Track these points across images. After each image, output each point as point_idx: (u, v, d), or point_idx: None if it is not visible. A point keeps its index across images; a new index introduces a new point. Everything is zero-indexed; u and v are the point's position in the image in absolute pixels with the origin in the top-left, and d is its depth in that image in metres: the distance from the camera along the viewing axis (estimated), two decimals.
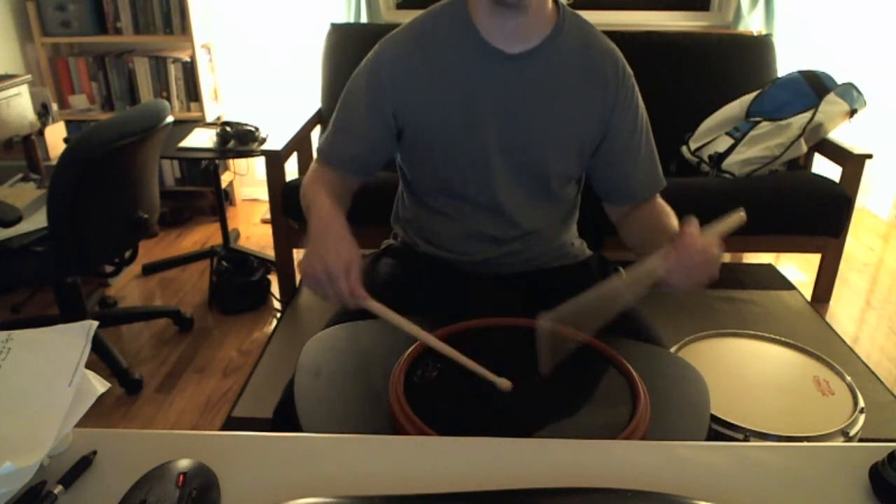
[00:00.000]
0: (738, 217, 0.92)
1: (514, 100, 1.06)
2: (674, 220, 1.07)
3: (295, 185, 2.26)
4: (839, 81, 2.45)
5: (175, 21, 2.88)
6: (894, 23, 3.09)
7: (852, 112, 2.41)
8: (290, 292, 2.47)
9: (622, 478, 0.63)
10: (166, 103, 1.86)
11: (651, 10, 3.08)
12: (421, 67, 1.07)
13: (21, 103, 2.39)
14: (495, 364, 0.89)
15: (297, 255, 2.57)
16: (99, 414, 1.84)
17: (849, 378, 1.38)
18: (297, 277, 2.56)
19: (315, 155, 1.21)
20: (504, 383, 0.83)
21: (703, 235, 0.89)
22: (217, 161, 2.65)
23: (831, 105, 2.41)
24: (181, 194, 3.22)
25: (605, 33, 1.12)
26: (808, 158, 2.59)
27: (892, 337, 2.28)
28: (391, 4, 3.07)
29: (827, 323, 2.34)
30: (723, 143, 2.47)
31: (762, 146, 2.39)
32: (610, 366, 0.87)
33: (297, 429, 0.78)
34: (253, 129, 2.43)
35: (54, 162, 1.66)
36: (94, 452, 0.64)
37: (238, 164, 3.32)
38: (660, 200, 1.16)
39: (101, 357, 1.95)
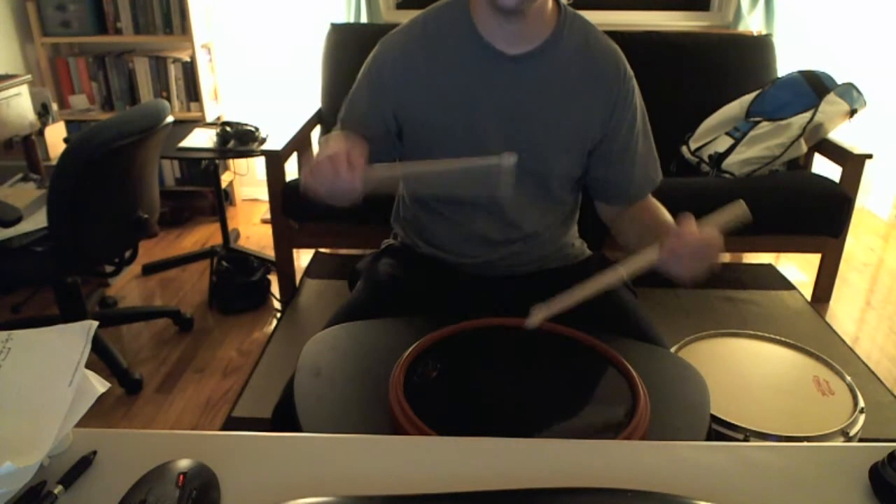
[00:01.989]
0: (737, 207, 0.91)
1: (515, 100, 1.06)
2: (667, 216, 1.07)
3: (295, 185, 2.26)
4: (839, 81, 2.45)
5: (175, 21, 2.88)
6: (894, 23, 3.09)
7: (852, 112, 2.41)
8: (290, 292, 2.47)
9: (622, 478, 0.63)
10: (166, 103, 1.86)
11: (651, 10, 3.08)
12: (422, 67, 1.07)
13: (21, 103, 2.39)
14: (496, 364, 0.89)
15: (298, 255, 2.57)
16: (99, 414, 1.84)
17: (849, 378, 1.38)
18: (298, 277, 2.57)
19: None
20: (508, 158, 0.81)
21: (700, 225, 0.88)
22: (217, 161, 2.65)
23: (831, 105, 2.41)
24: (181, 194, 3.22)
25: (605, 33, 1.12)
26: (808, 158, 2.59)
27: (892, 337, 2.28)
28: (391, 4, 3.07)
29: (827, 323, 2.34)
30: (723, 143, 2.47)
31: (762, 146, 2.39)
32: (610, 366, 0.87)
33: (297, 429, 0.78)
34: (253, 129, 2.43)
35: (54, 162, 1.66)
36: (94, 452, 0.64)
37: (238, 164, 3.32)
38: (653, 199, 1.16)
39: (101, 357, 1.95)
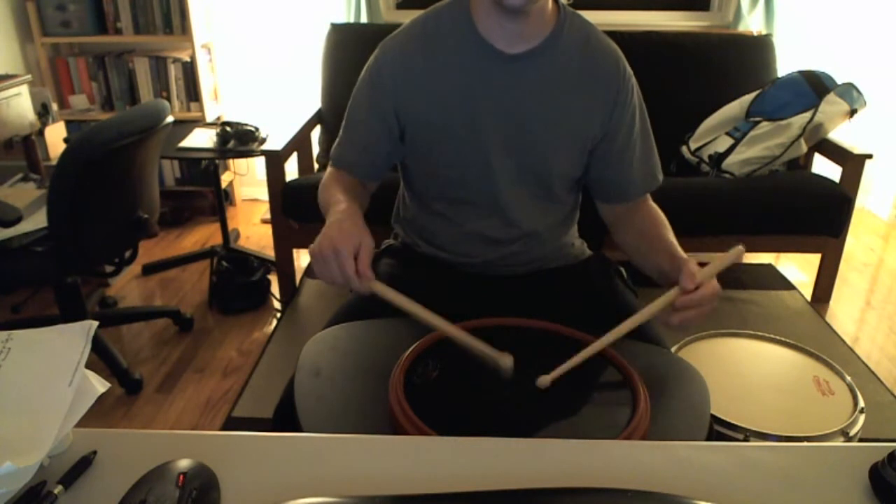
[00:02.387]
0: (737, 252, 0.92)
1: (515, 100, 1.06)
2: (669, 233, 1.07)
3: (295, 185, 2.26)
4: (839, 81, 2.45)
5: (175, 21, 2.88)
6: (894, 23, 3.09)
7: (852, 112, 2.41)
8: (290, 292, 2.47)
9: (622, 478, 0.63)
10: (166, 103, 1.86)
11: (651, 10, 3.08)
12: (422, 67, 1.07)
13: (21, 103, 2.39)
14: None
15: (298, 255, 2.57)
16: (99, 414, 1.84)
17: (849, 378, 1.38)
18: (298, 277, 2.57)
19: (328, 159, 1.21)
20: (506, 360, 0.82)
21: (702, 273, 0.88)
22: (217, 161, 2.65)
23: (831, 105, 2.41)
24: (181, 194, 3.22)
25: (605, 33, 1.12)
26: (808, 158, 2.59)
27: (892, 337, 2.28)
28: (391, 4, 3.07)
29: (827, 323, 2.34)
30: (723, 143, 2.47)
31: (762, 146, 2.39)
32: (610, 366, 0.87)
33: (297, 429, 0.78)
34: (253, 129, 2.43)
35: (54, 162, 1.66)
36: (94, 452, 0.64)
37: (238, 164, 3.32)
38: (653, 206, 1.16)
39: (101, 357, 1.95)
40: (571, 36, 1.07)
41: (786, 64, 2.71)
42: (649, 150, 1.16)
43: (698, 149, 2.53)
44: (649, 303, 0.90)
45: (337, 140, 1.18)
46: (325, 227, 0.90)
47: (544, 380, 0.82)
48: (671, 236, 1.05)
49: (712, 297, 0.87)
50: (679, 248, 0.99)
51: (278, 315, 2.37)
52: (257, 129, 2.44)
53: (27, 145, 2.44)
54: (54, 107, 2.70)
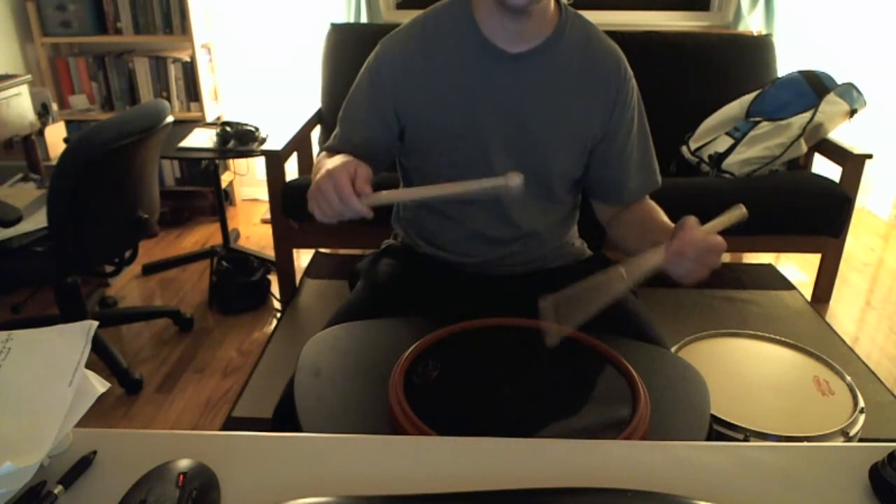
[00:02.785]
0: (738, 212, 0.91)
1: (516, 99, 1.06)
2: (665, 218, 1.07)
3: (295, 185, 2.26)
4: (839, 81, 2.45)
5: (175, 21, 2.88)
6: (894, 23, 3.09)
7: (852, 112, 2.41)
8: (290, 292, 2.47)
9: (622, 478, 0.63)
10: (166, 103, 1.86)
11: (651, 10, 3.08)
12: (422, 66, 1.07)
13: (21, 103, 2.39)
14: (496, 363, 0.89)
15: (297, 255, 2.57)
16: (99, 414, 1.84)
17: (849, 378, 1.38)
18: (298, 277, 2.57)
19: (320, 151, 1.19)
20: (514, 178, 0.81)
21: (702, 228, 0.88)
22: (217, 161, 2.65)
23: (831, 105, 2.41)
24: (181, 194, 3.22)
25: (605, 33, 1.12)
26: (808, 158, 2.59)
27: (892, 337, 2.28)
28: (391, 4, 3.07)
29: (827, 323, 2.34)
30: (723, 143, 2.47)
31: (762, 146, 2.39)
32: (610, 366, 0.87)
33: (297, 429, 0.78)
34: (253, 129, 2.43)
35: (54, 162, 1.66)
36: (94, 452, 0.64)
37: (238, 164, 3.32)
38: (651, 202, 1.16)
39: (101, 357, 1.95)
40: (573, 36, 1.07)
41: (786, 64, 2.71)
42: (648, 154, 1.16)
43: (698, 149, 2.53)
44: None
45: (333, 134, 1.16)
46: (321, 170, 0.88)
47: (547, 303, 0.81)
48: (667, 220, 1.05)
49: (713, 247, 0.85)
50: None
51: (278, 315, 2.37)
52: (257, 129, 2.44)
53: (27, 145, 2.44)
54: (54, 107, 2.70)
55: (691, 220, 0.87)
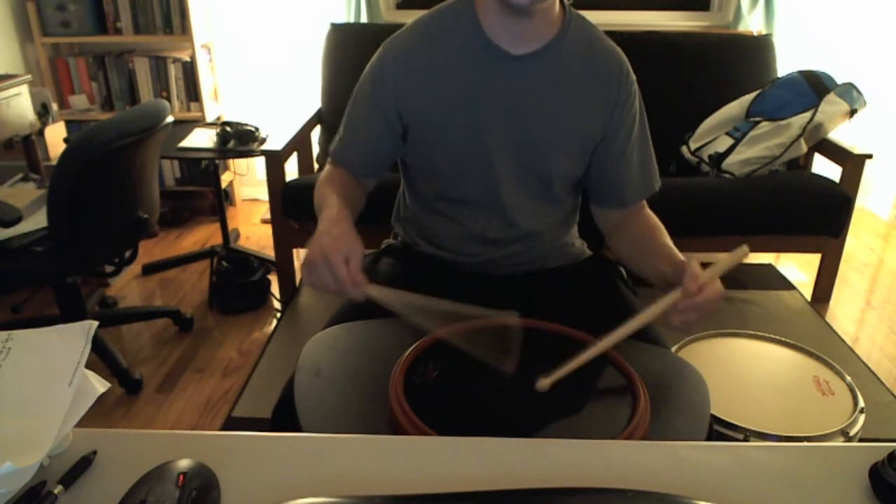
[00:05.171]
0: (741, 253, 0.91)
1: (519, 100, 1.06)
2: (667, 238, 1.07)
3: (295, 185, 2.26)
4: (839, 81, 2.45)
5: (175, 21, 2.88)
6: (894, 23, 3.09)
7: (852, 112, 2.41)
8: (290, 292, 2.47)
9: (622, 478, 0.63)
10: (166, 103, 1.86)
11: (651, 10, 3.08)
12: (425, 66, 1.07)
13: (21, 103, 2.39)
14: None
15: (297, 254, 2.57)
16: (99, 414, 1.84)
17: (849, 378, 1.38)
18: (298, 277, 2.57)
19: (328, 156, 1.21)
20: (511, 317, 0.82)
21: (705, 274, 0.87)
22: (217, 161, 2.65)
23: (831, 105, 2.41)
24: (181, 194, 3.22)
25: (605, 33, 1.12)
26: (808, 158, 2.59)
27: (892, 337, 2.28)
28: (391, 4, 3.07)
29: (827, 323, 2.34)
30: (723, 143, 2.47)
31: (762, 146, 2.39)
32: (610, 366, 0.87)
33: (297, 429, 0.78)
34: (253, 129, 2.43)
35: (54, 162, 1.66)
36: (94, 452, 0.64)
37: (238, 164, 3.32)
38: (650, 213, 1.15)
39: (101, 357, 1.95)
40: (576, 38, 1.07)
41: (786, 64, 2.71)
42: (647, 157, 1.16)
43: (698, 149, 2.53)
44: (649, 303, 0.89)
45: (337, 137, 1.18)
46: (315, 236, 0.90)
47: (544, 383, 0.82)
48: (669, 241, 1.05)
49: (716, 300, 0.87)
50: (678, 252, 0.99)
51: (278, 315, 2.37)
52: (257, 129, 2.44)
53: (27, 145, 2.44)
54: (54, 107, 2.70)
55: (696, 269, 0.86)
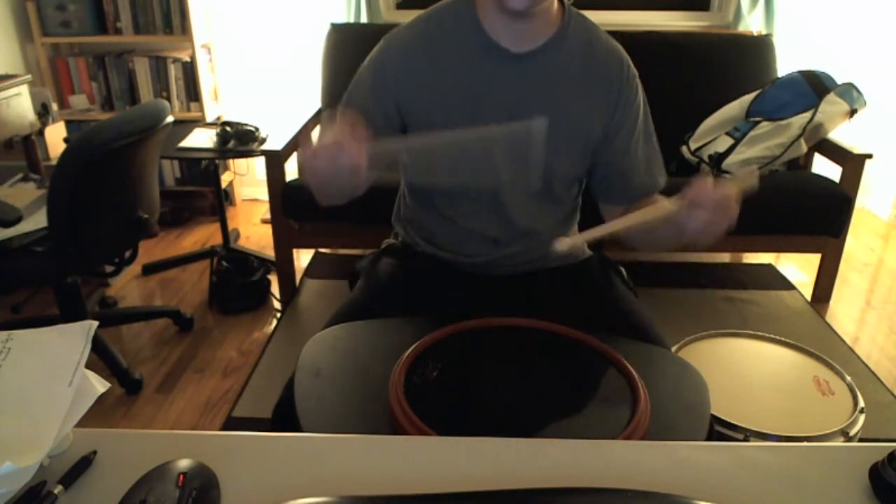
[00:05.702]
0: (749, 177, 0.90)
1: (519, 99, 1.06)
2: None
3: (295, 185, 2.26)
4: (839, 81, 2.45)
5: (175, 21, 2.88)
6: (894, 23, 3.09)
7: (852, 112, 2.41)
8: (290, 292, 2.47)
9: (622, 478, 0.63)
10: (166, 103, 1.86)
11: (651, 10, 3.08)
12: (425, 64, 1.07)
13: (21, 103, 2.39)
14: (495, 363, 0.89)
15: (297, 255, 2.57)
16: (99, 414, 1.84)
17: (849, 378, 1.38)
18: (298, 277, 2.57)
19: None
20: (538, 122, 0.79)
21: (716, 184, 0.88)
22: (217, 161, 2.65)
23: (831, 105, 2.40)
24: (181, 194, 3.22)
25: (608, 34, 1.12)
26: (808, 158, 2.59)
27: (892, 337, 2.28)
28: (391, 4, 3.07)
29: (827, 323, 2.34)
30: (723, 143, 2.47)
31: (762, 146, 2.39)
32: (610, 366, 0.87)
33: (297, 428, 0.78)
34: (253, 129, 2.43)
35: (54, 162, 1.66)
36: (94, 452, 0.64)
37: (238, 164, 3.32)
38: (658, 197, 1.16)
39: (101, 357, 1.95)
40: (576, 36, 1.07)
41: (786, 64, 2.71)
42: (652, 153, 1.16)
43: (698, 149, 2.53)
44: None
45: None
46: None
47: (563, 243, 0.80)
48: None
49: (728, 200, 0.85)
50: None
51: (278, 315, 2.37)
52: (257, 129, 2.44)
53: (27, 145, 2.44)
54: (54, 107, 2.70)
55: (704, 175, 0.87)
